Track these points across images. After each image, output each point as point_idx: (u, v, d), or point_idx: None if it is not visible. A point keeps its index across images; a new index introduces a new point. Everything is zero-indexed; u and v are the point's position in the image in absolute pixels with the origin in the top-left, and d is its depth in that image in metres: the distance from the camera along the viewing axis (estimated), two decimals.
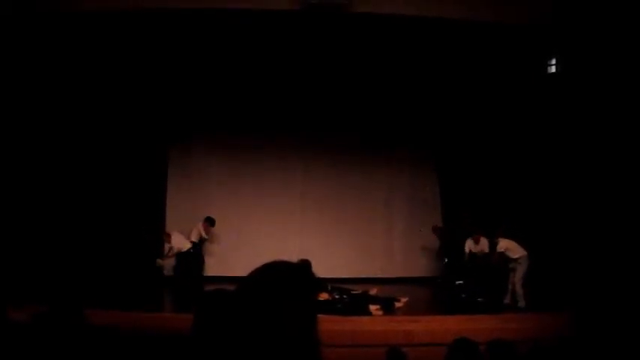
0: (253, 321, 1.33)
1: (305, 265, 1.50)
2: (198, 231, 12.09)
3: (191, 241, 11.95)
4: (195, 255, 12.07)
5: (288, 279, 1.40)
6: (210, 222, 12.20)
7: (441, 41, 10.21)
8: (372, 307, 8.93)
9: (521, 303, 9.71)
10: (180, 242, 11.76)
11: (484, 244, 10.81)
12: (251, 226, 12.51)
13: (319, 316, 1.40)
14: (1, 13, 8.25)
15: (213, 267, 12.24)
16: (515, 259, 9.86)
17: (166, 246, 11.79)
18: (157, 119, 12.40)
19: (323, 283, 9.51)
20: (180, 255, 11.81)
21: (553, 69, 10.98)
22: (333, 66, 11.49)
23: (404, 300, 9.63)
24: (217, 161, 12.98)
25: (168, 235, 11.86)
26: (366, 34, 9.97)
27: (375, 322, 8.30)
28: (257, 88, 12.19)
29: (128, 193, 11.94)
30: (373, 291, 10.22)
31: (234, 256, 11.81)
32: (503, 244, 10.01)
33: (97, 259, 10.92)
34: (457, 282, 11.59)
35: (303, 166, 13.20)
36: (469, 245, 11.02)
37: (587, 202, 9.97)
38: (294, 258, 1.55)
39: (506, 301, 9.94)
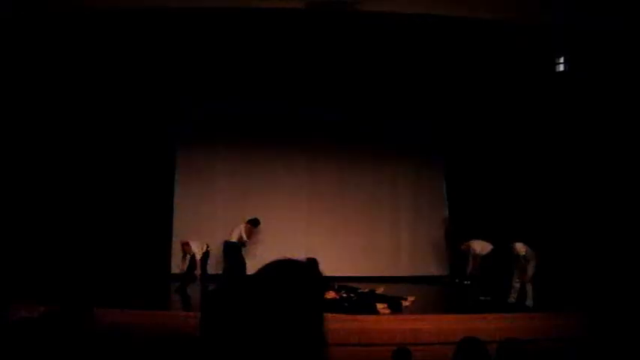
0: (260, 319, 1.33)
1: (312, 263, 1.50)
2: (239, 232, 11.82)
3: (229, 242, 11.68)
4: (237, 255, 11.68)
5: (295, 277, 1.39)
6: (253, 223, 11.98)
7: (448, 38, 10.17)
8: (379, 306, 8.91)
9: (530, 302, 9.65)
10: (197, 248, 11.33)
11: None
12: (258, 227, 12.48)
13: (326, 314, 1.40)
14: (1, 13, 8.25)
15: (220, 266, 12.23)
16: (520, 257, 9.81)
17: (187, 256, 11.29)
18: (165, 122, 12.42)
19: (330, 282, 9.49)
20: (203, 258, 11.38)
21: (561, 67, 10.93)
22: (339, 65, 11.47)
23: (411, 299, 9.60)
24: (224, 163, 12.98)
25: (187, 244, 11.33)
26: (372, 33, 9.94)
27: (382, 321, 8.29)
28: (263, 88, 12.19)
29: (137, 195, 11.94)
30: (380, 290, 10.20)
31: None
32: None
33: (106, 258, 10.95)
34: (465, 282, 11.57)
35: (310, 167, 13.18)
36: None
37: (599, 200, 9.90)
38: (301, 257, 1.54)
39: (512, 299, 9.88)
